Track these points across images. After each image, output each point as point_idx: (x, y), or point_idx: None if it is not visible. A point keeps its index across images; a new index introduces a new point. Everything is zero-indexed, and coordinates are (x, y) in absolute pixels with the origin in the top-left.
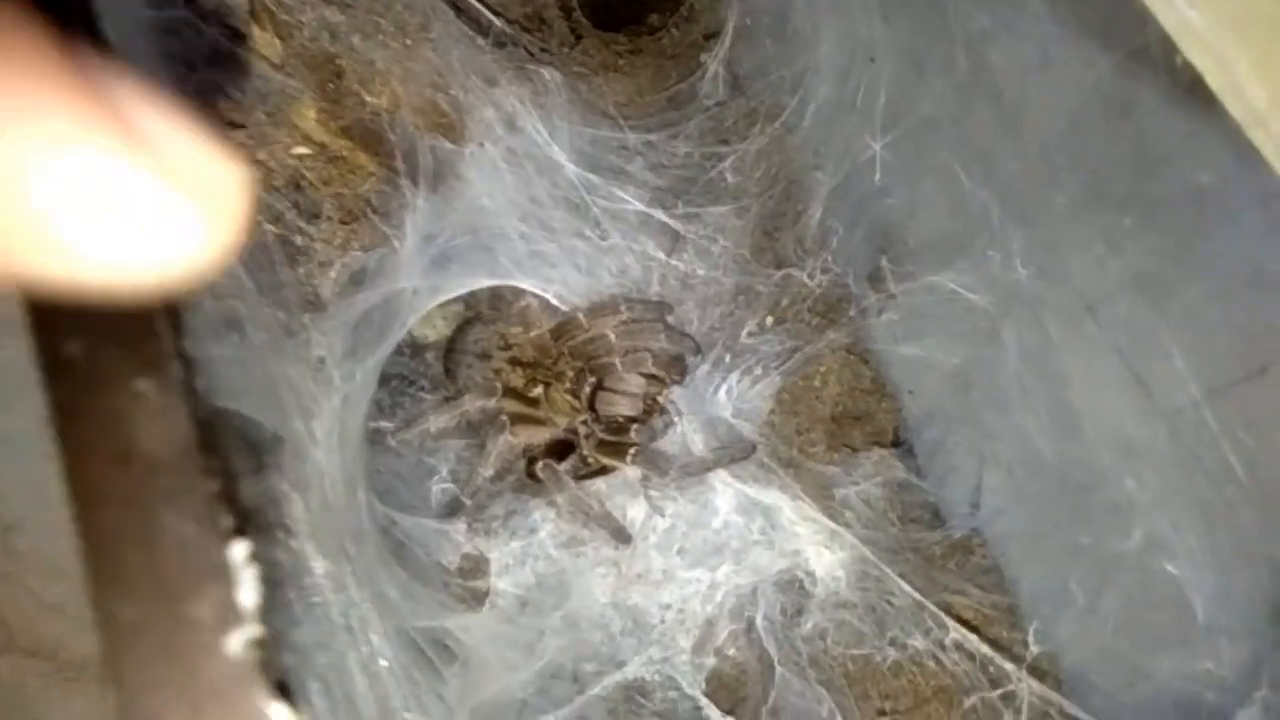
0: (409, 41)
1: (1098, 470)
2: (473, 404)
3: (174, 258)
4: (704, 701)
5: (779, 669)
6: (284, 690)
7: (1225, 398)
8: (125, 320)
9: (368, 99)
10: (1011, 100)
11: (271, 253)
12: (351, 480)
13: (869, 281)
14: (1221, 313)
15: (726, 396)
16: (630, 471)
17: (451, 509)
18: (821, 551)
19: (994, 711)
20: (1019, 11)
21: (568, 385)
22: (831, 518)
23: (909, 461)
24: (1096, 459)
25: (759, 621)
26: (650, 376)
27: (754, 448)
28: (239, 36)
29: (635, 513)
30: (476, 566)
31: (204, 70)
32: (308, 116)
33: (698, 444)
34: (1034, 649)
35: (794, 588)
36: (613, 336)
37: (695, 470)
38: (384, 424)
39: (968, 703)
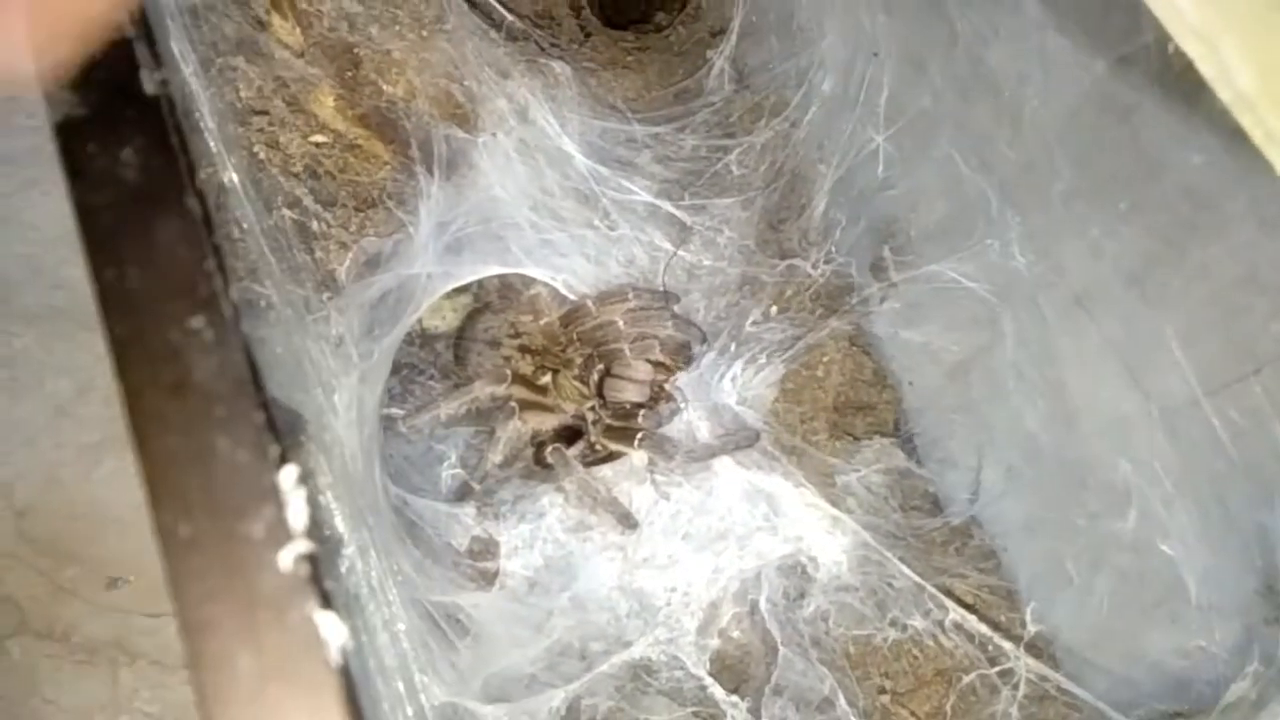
0: (425, 33)
1: (1093, 454)
2: (482, 390)
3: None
4: (709, 680)
5: (782, 649)
6: (329, 602)
7: (1220, 381)
8: (179, 263)
9: (384, 88)
10: (1010, 93)
11: (289, 237)
12: (370, 457)
13: (871, 271)
14: (1214, 298)
15: (731, 384)
16: (637, 457)
17: (461, 494)
18: (824, 537)
19: (992, 689)
20: (1017, 10)
21: (576, 372)
22: (833, 504)
23: (909, 449)
24: (1092, 443)
25: (762, 604)
26: (657, 364)
27: (758, 435)
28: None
29: (641, 498)
30: (486, 548)
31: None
32: (325, 104)
33: (703, 431)
34: (1031, 628)
35: (796, 571)
36: (621, 323)
37: (700, 456)
38: (395, 411)
39: (966, 680)
